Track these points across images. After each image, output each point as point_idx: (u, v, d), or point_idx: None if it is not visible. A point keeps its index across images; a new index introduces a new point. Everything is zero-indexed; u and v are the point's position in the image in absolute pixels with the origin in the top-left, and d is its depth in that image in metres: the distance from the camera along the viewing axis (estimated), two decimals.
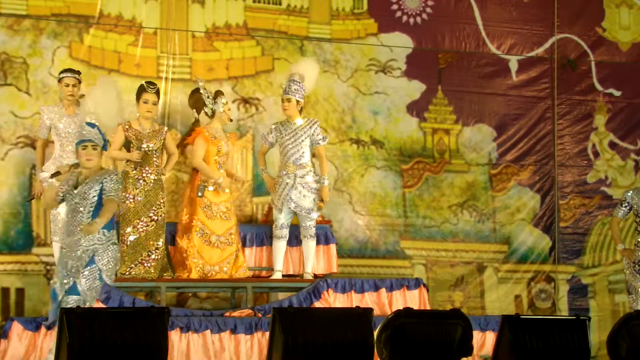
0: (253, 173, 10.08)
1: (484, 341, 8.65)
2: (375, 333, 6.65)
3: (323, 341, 6.49)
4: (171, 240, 8.86)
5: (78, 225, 7.00)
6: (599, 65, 11.54)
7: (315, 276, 8.98)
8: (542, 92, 11.33)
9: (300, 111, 8.97)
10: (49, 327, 7.72)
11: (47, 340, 7.62)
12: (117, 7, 9.91)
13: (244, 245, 9.07)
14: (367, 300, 8.78)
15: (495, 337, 7.25)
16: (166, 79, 9.93)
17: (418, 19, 10.94)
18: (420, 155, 10.87)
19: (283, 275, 8.97)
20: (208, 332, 7.96)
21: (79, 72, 8.73)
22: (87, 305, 6.94)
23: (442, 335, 6.74)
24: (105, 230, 7.03)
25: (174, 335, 7.79)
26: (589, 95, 11.49)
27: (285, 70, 10.13)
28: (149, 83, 8.61)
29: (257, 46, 10.38)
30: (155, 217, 8.46)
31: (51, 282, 8.37)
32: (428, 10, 10.98)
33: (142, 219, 8.41)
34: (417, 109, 10.88)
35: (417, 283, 9.03)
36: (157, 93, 8.63)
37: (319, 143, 8.90)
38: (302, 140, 8.86)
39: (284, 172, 8.85)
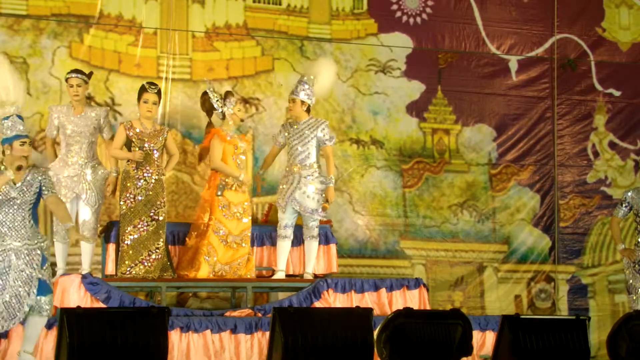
0: (253, 173, 10.08)
1: (484, 341, 8.64)
2: (375, 333, 6.65)
3: (323, 341, 6.49)
4: (172, 240, 8.87)
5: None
6: (598, 65, 11.55)
7: (315, 276, 8.97)
8: (542, 92, 11.34)
9: (308, 112, 8.96)
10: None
11: (47, 340, 7.62)
12: (117, 7, 9.91)
13: None
14: (367, 300, 8.77)
15: (495, 337, 7.25)
16: (166, 79, 9.94)
17: (418, 19, 10.94)
18: (420, 155, 10.88)
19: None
20: (208, 332, 7.95)
21: (85, 74, 8.66)
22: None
23: (442, 335, 6.74)
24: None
25: (174, 335, 7.79)
26: (589, 95, 11.50)
27: (285, 70, 10.14)
28: (150, 83, 8.61)
29: (257, 46, 10.38)
30: (156, 217, 8.45)
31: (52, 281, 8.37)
32: (428, 10, 10.98)
33: (142, 218, 8.41)
34: (417, 109, 10.89)
35: (417, 283, 9.02)
36: (159, 93, 8.63)
37: (325, 143, 8.89)
38: (309, 141, 8.85)
39: (289, 172, 8.85)
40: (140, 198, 8.43)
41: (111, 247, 8.60)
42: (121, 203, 8.44)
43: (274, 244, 8.98)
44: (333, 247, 9.34)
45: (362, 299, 8.76)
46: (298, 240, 9.03)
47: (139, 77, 9.72)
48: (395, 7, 10.88)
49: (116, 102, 9.81)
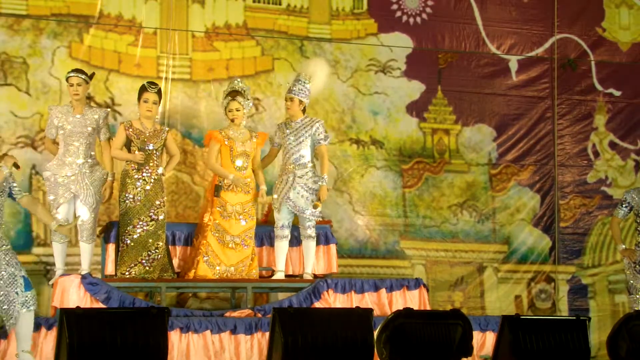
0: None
1: (484, 341, 8.64)
2: (375, 333, 6.65)
3: (323, 341, 6.49)
4: (172, 240, 8.86)
5: None
6: (599, 65, 11.55)
7: (315, 276, 8.97)
8: (542, 92, 11.33)
9: (304, 111, 8.96)
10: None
11: (47, 340, 7.62)
12: (117, 7, 9.91)
13: None
14: (367, 300, 8.77)
15: (495, 338, 7.25)
16: (166, 79, 9.93)
17: (418, 19, 10.94)
18: (420, 155, 10.87)
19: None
20: (208, 332, 7.95)
21: (86, 73, 8.63)
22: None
23: (442, 335, 6.74)
24: None
25: (174, 336, 7.79)
26: (589, 95, 11.49)
27: (285, 70, 10.13)
28: (151, 83, 8.60)
29: (257, 46, 10.38)
30: (156, 217, 8.45)
31: (51, 282, 8.39)
32: (428, 10, 10.98)
33: (142, 218, 8.40)
34: (416, 109, 10.89)
35: (417, 283, 9.02)
36: (159, 93, 8.62)
37: (320, 142, 8.88)
38: (303, 140, 8.84)
39: (284, 172, 8.84)
40: (139, 198, 8.43)
41: (111, 247, 8.60)
42: (121, 203, 8.44)
43: (273, 244, 8.97)
44: (333, 247, 9.33)
45: (362, 299, 8.75)
46: (297, 240, 9.03)
47: (139, 77, 9.72)
48: (395, 7, 10.88)
49: (116, 102, 9.80)
